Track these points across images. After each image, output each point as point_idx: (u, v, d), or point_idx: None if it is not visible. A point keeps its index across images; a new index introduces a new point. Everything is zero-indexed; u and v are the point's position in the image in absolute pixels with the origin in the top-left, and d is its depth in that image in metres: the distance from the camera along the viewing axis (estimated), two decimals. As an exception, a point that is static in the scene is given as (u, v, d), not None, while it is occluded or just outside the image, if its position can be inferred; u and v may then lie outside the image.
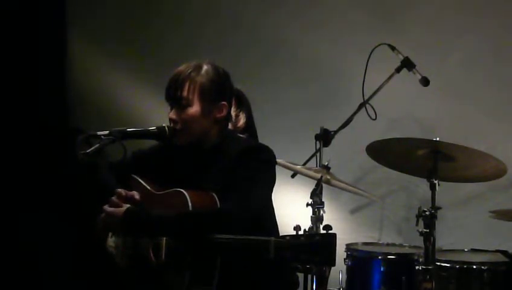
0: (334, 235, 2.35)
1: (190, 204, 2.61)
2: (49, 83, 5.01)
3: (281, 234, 2.85)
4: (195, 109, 2.77)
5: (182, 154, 2.88)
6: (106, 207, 2.73)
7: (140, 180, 2.85)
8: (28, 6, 4.92)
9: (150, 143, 2.95)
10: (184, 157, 2.87)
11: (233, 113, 3.00)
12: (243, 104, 3.07)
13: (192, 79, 2.78)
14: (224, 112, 2.82)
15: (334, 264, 2.36)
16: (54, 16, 5.11)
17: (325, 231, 2.39)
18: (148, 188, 2.81)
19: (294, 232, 3.35)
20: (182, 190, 2.67)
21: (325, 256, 2.33)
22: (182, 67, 2.83)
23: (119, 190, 2.76)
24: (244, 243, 2.44)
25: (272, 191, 2.80)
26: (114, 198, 2.73)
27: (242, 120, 3.05)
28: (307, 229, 3.48)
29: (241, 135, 2.94)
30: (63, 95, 5.16)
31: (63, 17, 5.20)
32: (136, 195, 2.76)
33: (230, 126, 2.95)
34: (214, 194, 2.68)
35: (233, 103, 2.94)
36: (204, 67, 2.82)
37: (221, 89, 2.81)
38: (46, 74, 5.00)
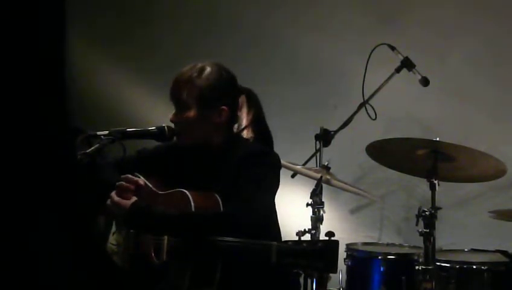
0: (337, 242, 2.34)
1: (193, 204, 2.61)
2: (49, 83, 5.00)
3: (281, 235, 2.86)
4: (192, 113, 2.75)
5: (186, 156, 2.86)
6: (113, 195, 2.71)
7: (143, 179, 2.84)
8: (27, 6, 4.91)
9: (150, 143, 2.94)
10: (188, 159, 2.86)
11: (243, 114, 2.92)
12: (251, 103, 2.92)
13: (192, 82, 2.75)
14: (224, 117, 2.78)
15: (335, 272, 2.36)
16: (54, 16, 5.11)
17: (327, 238, 2.37)
18: (151, 187, 2.80)
19: (294, 233, 3.34)
20: (184, 191, 2.66)
21: (326, 263, 2.32)
22: (185, 68, 2.79)
23: (126, 175, 2.74)
24: (246, 247, 2.43)
25: (275, 195, 2.77)
26: (122, 183, 2.71)
27: (248, 120, 2.94)
28: (307, 229, 3.53)
29: (247, 138, 2.90)
30: (63, 95, 5.16)
31: (63, 17, 5.19)
32: (140, 181, 2.74)
33: (236, 127, 2.89)
34: (217, 195, 2.66)
35: (243, 103, 2.88)
36: (207, 70, 2.77)
37: (221, 94, 2.77)
38: (46, 74, 4.99)
